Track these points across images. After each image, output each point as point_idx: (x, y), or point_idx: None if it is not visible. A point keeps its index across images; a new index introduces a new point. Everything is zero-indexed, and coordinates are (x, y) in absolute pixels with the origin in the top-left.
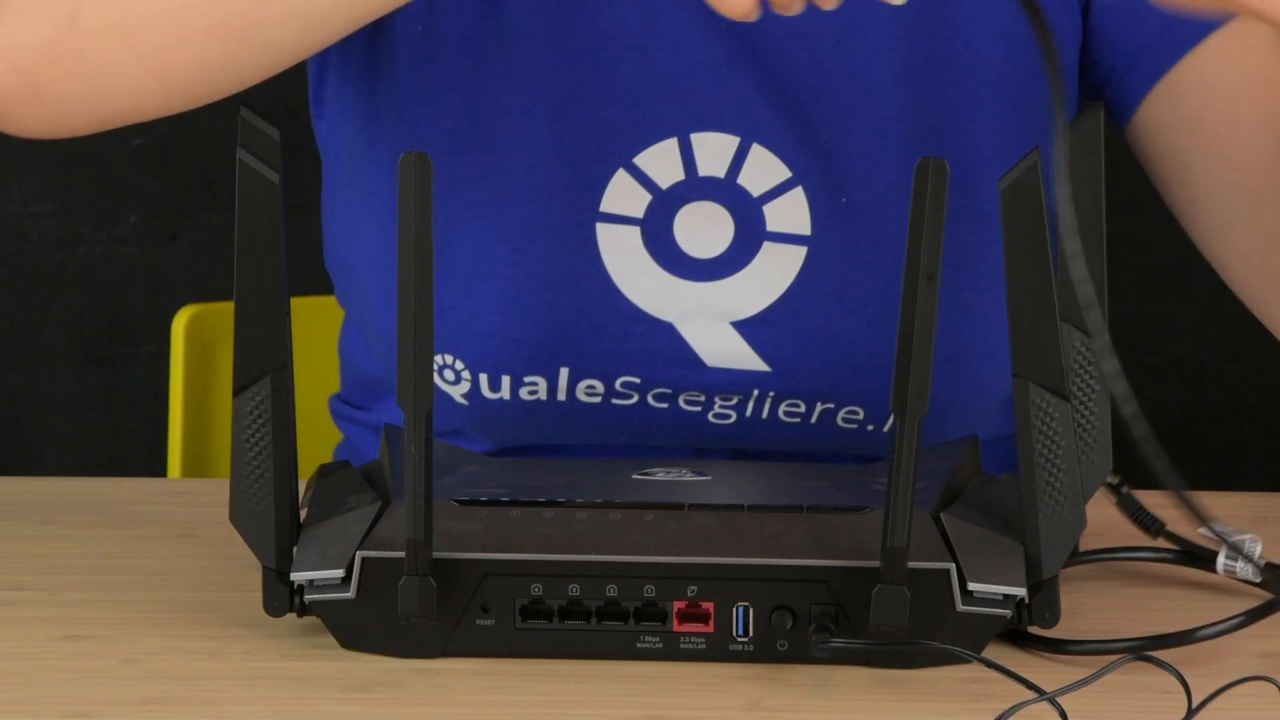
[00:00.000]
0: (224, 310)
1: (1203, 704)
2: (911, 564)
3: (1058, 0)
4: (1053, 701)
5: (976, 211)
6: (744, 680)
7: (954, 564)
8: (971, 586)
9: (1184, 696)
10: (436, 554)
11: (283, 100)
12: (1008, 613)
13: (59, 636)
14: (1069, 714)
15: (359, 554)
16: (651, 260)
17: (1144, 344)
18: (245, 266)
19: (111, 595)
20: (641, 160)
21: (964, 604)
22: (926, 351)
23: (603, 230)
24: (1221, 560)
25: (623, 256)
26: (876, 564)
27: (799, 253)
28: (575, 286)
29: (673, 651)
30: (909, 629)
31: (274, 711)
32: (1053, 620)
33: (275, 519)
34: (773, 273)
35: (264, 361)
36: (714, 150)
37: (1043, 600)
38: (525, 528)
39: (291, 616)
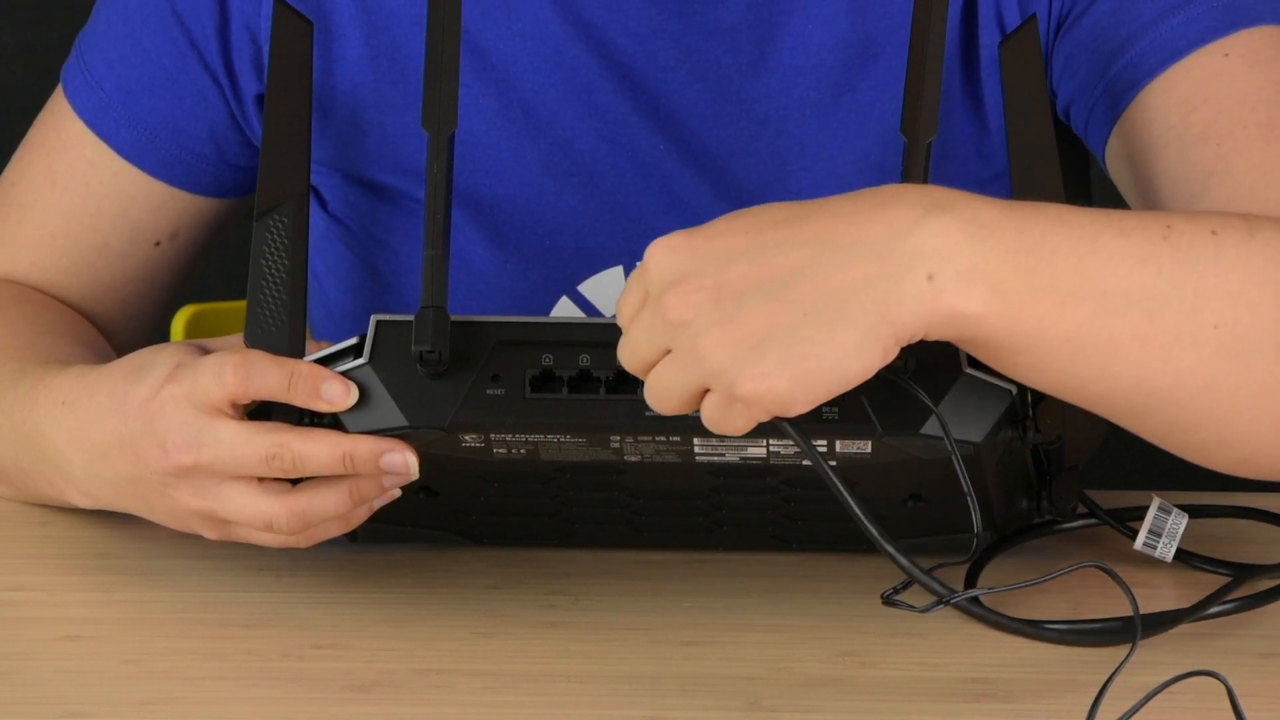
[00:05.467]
0: (223, 310)
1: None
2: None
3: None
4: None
5: None
6: (744, 680)
7: None
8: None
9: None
10: (451, 318)
11: None
12: (1012, 389)
13: (59, 636)
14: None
15: (374, 318)
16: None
17: None
18: (275, 100)
19: (111, 595)
20: (586, 288)
21: (969, 366)
22: (936, 74)
23: None
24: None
25: None
26: None
27: None
28: None
29: (680, 420)
30: (911, 406)
31: (274, 711)
32: (1070, 511)
33: (289, 340)
34: None
35: (286, 187)
36: None
37: (1064, 484)
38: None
39: (292, 616)
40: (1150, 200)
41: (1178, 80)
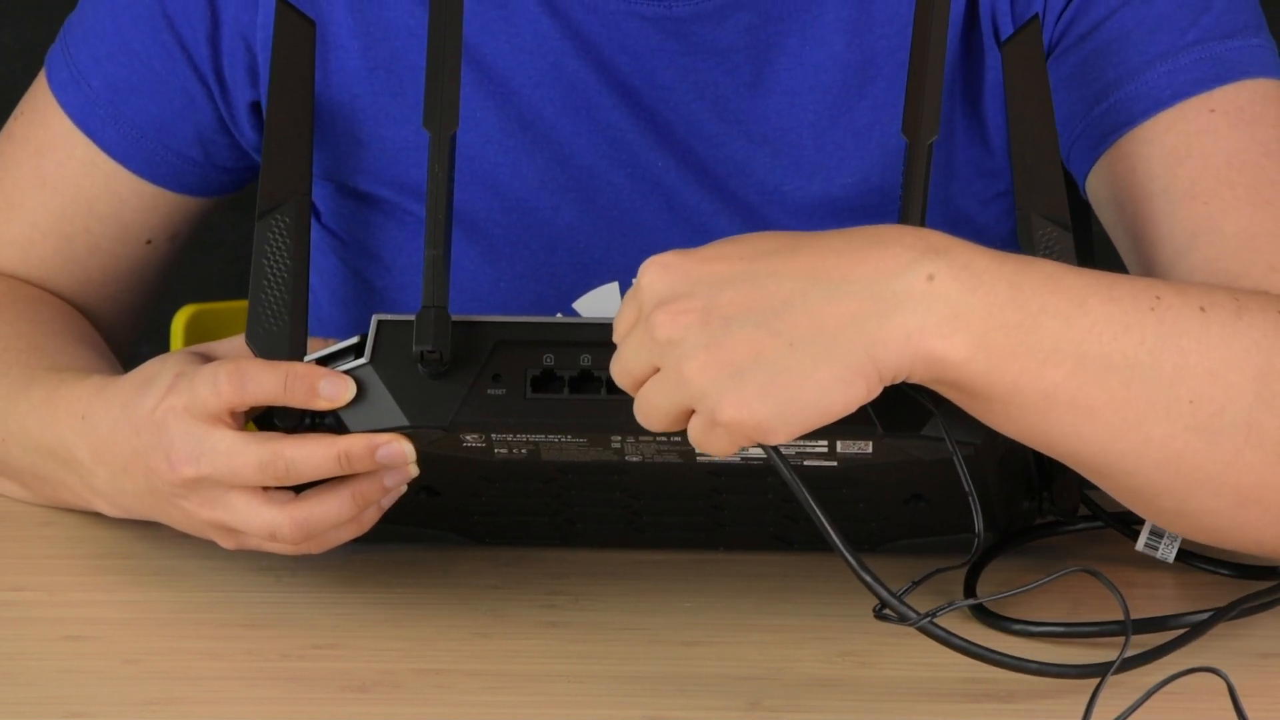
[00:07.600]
0: (223, 310)
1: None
2: None
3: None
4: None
5: None
6: (744, 680)
7: None
8: None
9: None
10: (452, 318)
11: None
12: None
13: (59, 636)
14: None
15: (375, 318)
16: None
17: None
18: (277, 99)
19: (111, 595)
20: (581, 304)
21: None
22: (937, 76)
23: None
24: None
25: None
26: None
27: None
28: None
29: None
30: (912, 407)
31: (274, 711)
32: (1071, 512)
33: (290, 339)
34: None
35: (288, 187)
36: None
37: (1066, 484)
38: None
39: (292, 616)
40: (1138, 247)
41: (1162, 131)
